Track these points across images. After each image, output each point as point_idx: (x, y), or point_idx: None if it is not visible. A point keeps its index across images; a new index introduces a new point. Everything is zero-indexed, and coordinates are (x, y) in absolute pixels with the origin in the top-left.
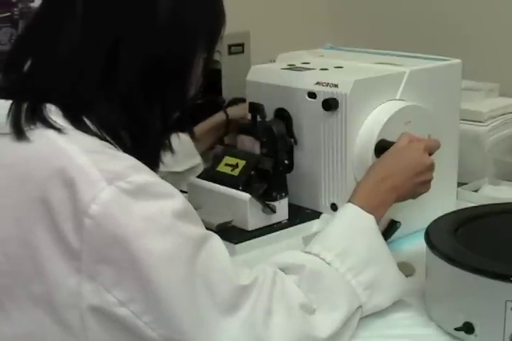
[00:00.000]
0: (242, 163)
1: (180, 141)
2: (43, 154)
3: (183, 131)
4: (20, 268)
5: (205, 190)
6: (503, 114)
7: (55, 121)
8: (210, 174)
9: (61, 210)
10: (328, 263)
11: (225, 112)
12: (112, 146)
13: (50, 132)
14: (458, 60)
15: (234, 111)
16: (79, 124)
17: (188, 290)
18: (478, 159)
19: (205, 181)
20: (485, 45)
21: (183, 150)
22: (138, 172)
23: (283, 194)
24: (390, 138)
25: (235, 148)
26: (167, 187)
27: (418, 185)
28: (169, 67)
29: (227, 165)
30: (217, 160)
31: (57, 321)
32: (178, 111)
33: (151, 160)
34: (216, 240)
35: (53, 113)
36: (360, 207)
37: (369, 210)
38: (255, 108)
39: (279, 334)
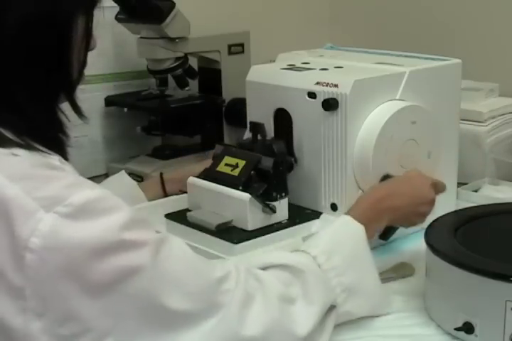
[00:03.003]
0: (242, 163)
1: (124, 183)
2: None
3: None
4: None
5: (205, 190)
6: (503, 114)
7: None
8: (210, 174)
9: None
10: (314, 258)
11: (161, 176)
12: (41, 155)
13: None
14: (458, 60)
15: (170, 175)
16: None
17: (154, 303)
18: (478, 159)
19: (205, 181)
20: (485, 45)
21: (128, 193)
22: (75, 191)
23: (283, 194)
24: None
25: (235, 148)
26: (108, 200)
27: (415, 215)
28: (46, 33)
29: (227, 165)
30: (217, 160)
31: None
32: (63, 90)
33: (54, 143)
34: (172, 240)
35: None
36: (354, 217)
37: (363, 222)
38: (256, 127)
39: (255, 324)
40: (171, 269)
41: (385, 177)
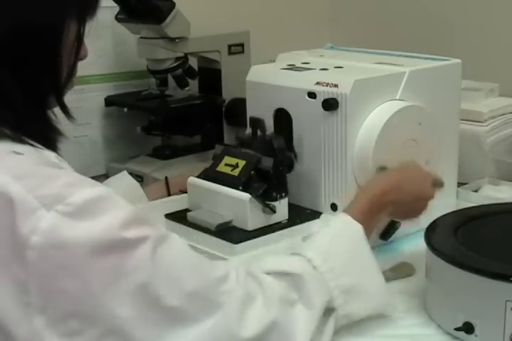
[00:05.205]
0: (242, 163)
1: (126, 183)
2: None
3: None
4: None
5: (205, 190)
6: (503, 114)
7: None
8: (210, 174)
9: (1, 239)
10: (309, 261)
11: (166, 180)
12: (40, 152)
13: None
14: (458, 60)
15: (175, 178)
16: None
17: (151, 299)
18: (478, 159)
19: (205, 181)
20: (485, 45)
21: (130, 193)
22: (76, 190)
23: (283, 194)
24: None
25: (234, 148)
26: (109, 199)
27: (413, 210)
28: (37, 35)
29: (227, 165)
30: (217, 160)
31: None
32: (52, 93)
33: (46, 140)
34: (173, 238)
35: None
36: (354, 214)
37: (363, 219)
38: (255, 123)
39: (255, 325)
40: (170, 266)
41: (381, 170)
